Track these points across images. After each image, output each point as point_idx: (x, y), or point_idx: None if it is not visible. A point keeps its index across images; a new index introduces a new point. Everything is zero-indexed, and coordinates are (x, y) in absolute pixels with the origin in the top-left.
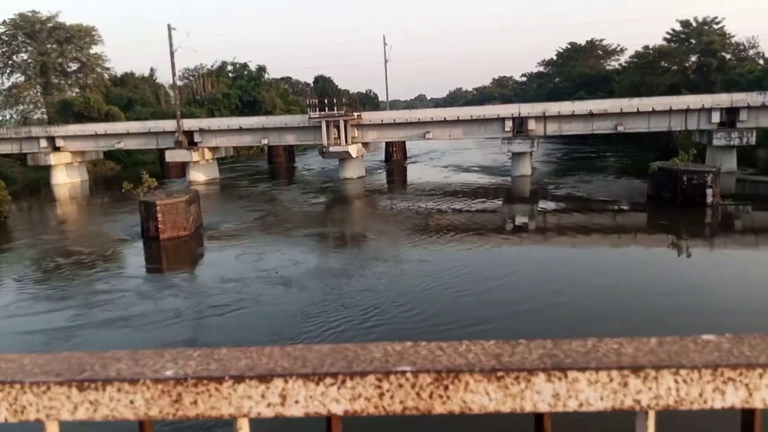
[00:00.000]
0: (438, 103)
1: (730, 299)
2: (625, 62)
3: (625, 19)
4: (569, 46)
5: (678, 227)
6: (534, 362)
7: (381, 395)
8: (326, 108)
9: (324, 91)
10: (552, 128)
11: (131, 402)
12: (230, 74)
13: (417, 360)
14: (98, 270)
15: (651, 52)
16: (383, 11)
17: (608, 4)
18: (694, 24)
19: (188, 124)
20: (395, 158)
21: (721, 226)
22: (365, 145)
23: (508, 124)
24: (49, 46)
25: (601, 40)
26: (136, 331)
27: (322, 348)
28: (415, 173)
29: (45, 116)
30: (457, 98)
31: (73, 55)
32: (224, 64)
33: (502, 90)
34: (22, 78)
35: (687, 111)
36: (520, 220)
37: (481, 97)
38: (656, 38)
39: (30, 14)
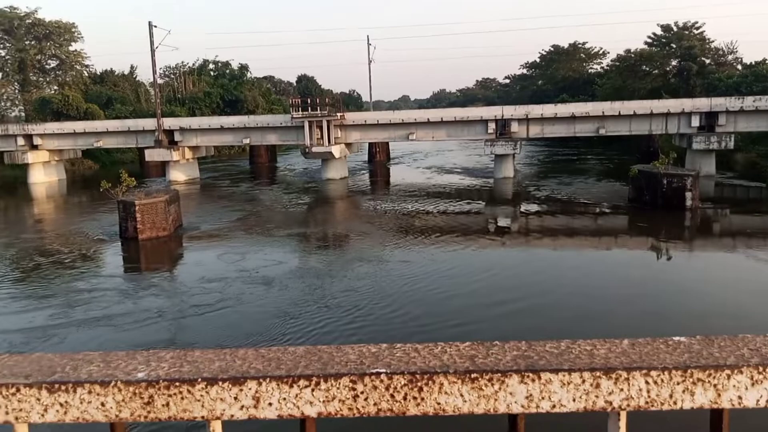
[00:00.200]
0: (422, 105)
1: (706, 301)
2: (607, 65)
3: (607, 23)
4: (552, 49)
5: (658, 230)
6: (508, 364)
7: (355, 397)
8: (309, 108)
9: (307, 90)
10: (535, 131)
11: (102, 404)
12: (212, 73)
13: (392, 362)
14: (77, 270)
15: (632, 55)
16: (367, 11)
17: (591, 7)
18: (675, 29)
19: (168, 122)
20: (378, 159)
21: (700, 228)
22: (348, 145)
23: (491, 126)
24: (27, 42)
25: (583, 44)
26: (117, 331)
27: (297, 350)
28: (398, 174)
29: (23, 114)
30: (440, 99)
31: (52, 52)
32: (206, 62)
33: (486, 92)
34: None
35: (667, 115)
36: (503, 221)
37: (464, 98)
38: (638, 42)
39: (8, 10)
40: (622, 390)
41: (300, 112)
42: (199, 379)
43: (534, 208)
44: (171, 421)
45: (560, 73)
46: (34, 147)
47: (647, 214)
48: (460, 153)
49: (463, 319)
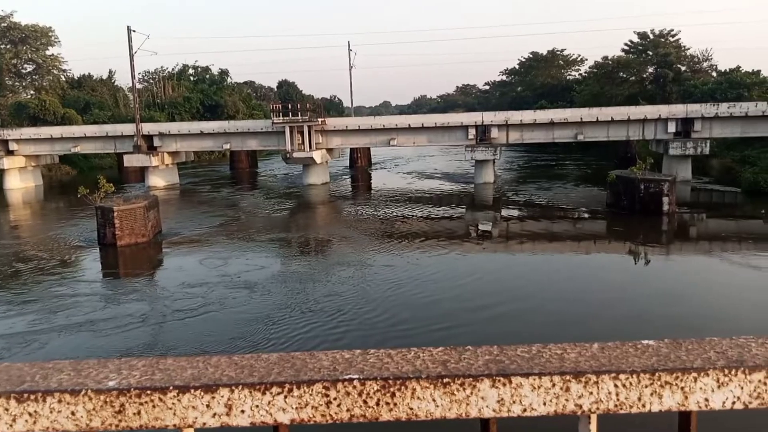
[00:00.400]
0: (403, 110)
1: (684, 305)
2: (585, 72)
3: (585, 31)
4: (531, 56)
5: (636, 234)
6: (479, 368)
7: (328, 403)
8: (290, 113)
9: (288, 96)
10: (514, 136)
11: (72, 413)
12: (192, 78)
13: (365, 367)
14: (55, 276)
15: (610, 62)
16: (348, 17)
17: (569, 15)
18: (651, 36)
19: (148, 128)
20: (360, 164)
21: (677, 233)
22: (330, 151)
23: (472, 132)
24: (2, 46)
25: (562, 50)
26: (98, 336)
27: (270, 357)
28: (379, 179)
29: None
30: (421, 105)
31: (29, 56)
32: (185, 67)
33: (466, 98)
34: None
35: (644, 121)
36: (484, 226)
37: (445, 104)
38: (615, 49)
39: None
40: (591, 393)
41: (281, 118)
42: (171, 387)
43: (514, 212)
44: (143, 430)
45: (539, 79)
46: (10, 152)
47: (625, 218)
48: (441, 158)
49: (447, 323)
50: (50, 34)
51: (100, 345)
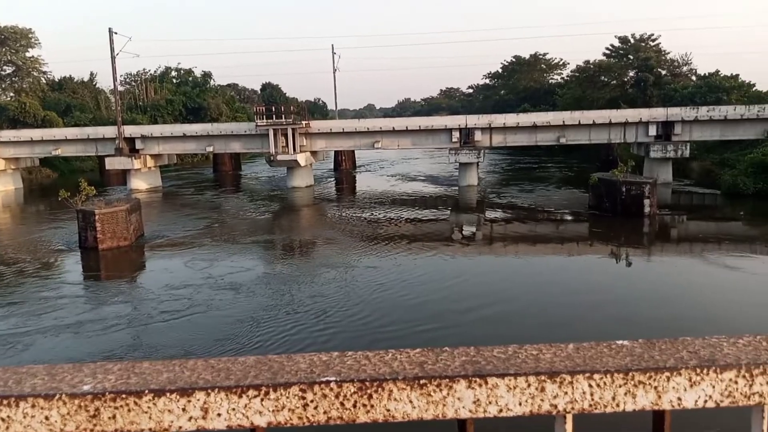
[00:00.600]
0: (387, 113)
1: (667, 305)
2: (567, 76)
3: (567, 35)
4: (514, 60)
5: (618, 236)
6: (456, 369)
7: (305, 406)
8: (274, 116)
9: (272, 98)
10: (497, 139)
11: (46, 418)
12: (174, 80)
13: (342, 370)
14: (36, 280)
15: (591, 66)
16: (332, 20)
17: (552, 20)
18: (632, 40)
19: (129, 130)
20: (344, 167)
21: (659, 234)
22: (314, 153)
23: (456, 135)
24: None
25: (544, 54)
26: (81, 339)
27: (247, 360)
28: (364, 182)
29: None
30: (405, 108)
31: (8, 58)
32: (168, 69)
33: (450, 101)
34: None
35: (625, 124)
36: (468, 229)
37: (429, 107)
38: (596, 53)
39: None
40: (566, 393)
41: (264, 120)
42: (147, 391)
43: (498, 215)
44: None
45: (522, 83)
46: None
47: (607, 220)
48: (425, 161)
49: (433, 324)
50: (30, 35)
51: (83, 347)
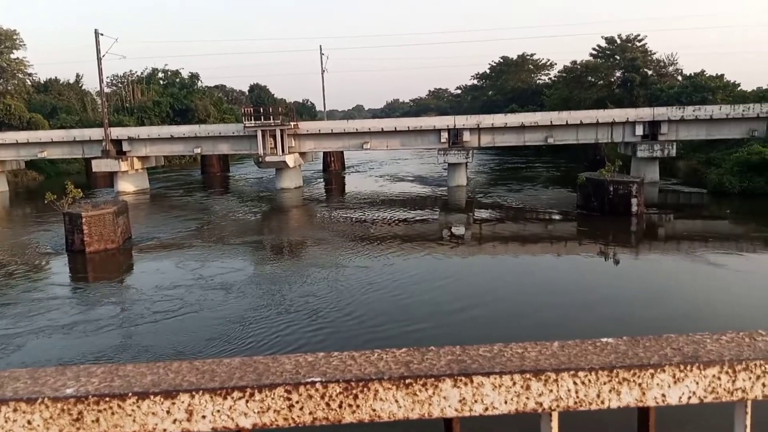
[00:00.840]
0: (375, 114)
1: (657, 304)
2: (555, 76)
3: (554, 35)
4: (502, 60)
5: (606, 235)
6: (442, 368)
7: (290, 407)
8: (262, 117)
9: (260, 99)
10: (486, 140)
11: (28, 422)
12: (161, 82)
13: (328, 370)
14: (23, 283)
15: (579, 67)
16: (320, 21)
17: (539, 20)
18: (619, 41)
19: (116, 132)
20: (333, 168)
21: (646, 233)
22: (303, 154)
23: (444, 136)
24: None
25: (531, 55)
26: (72, 339)
27: (232, 361)
28: (353, 183)
29: None
30: (394, 109)
31: None
32: (155, 71)
33: (438, 102)
34: None
35: (612, 124)
36: (458, 229)
37: (417, 108)
38: (583, 54)
39: None
40: (551, 391)
41: (253, 122)
42: (130, 394)
43: (487, 215)
44: None
45: (510, 83)
46: None
47: (595, 220)
48: (414, 162)
49: (423, 324)
50: (15, 37)
51: (72, 349)
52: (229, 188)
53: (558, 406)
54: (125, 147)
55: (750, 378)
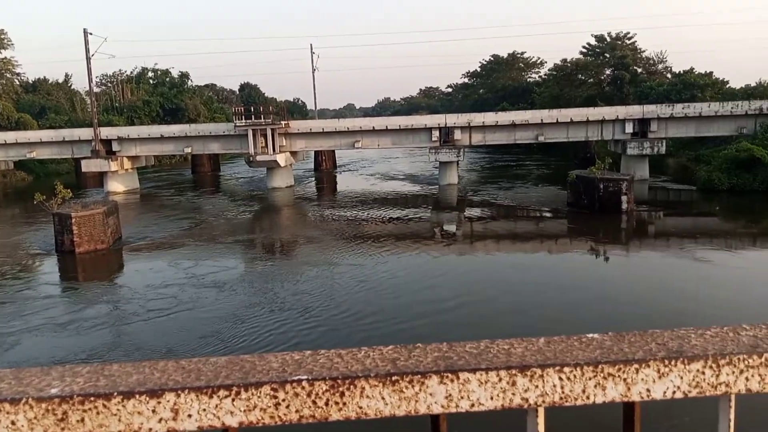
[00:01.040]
0: (367, 113)
1: (649, 302)
2: (545, 75)
3: (544, 33)
4: (492, 59)
5: (596, 232)
6: (428, 365)
7: (277, 405)
8: (253, 116)
9: (250, 98)
10: (477, 138)
11: (12, 423)
12: (151, 81)
13: (314, 368)
14: (14, 284)
15: (569, 65)
16: (311, 20)
17: (529, 18)
18: (608, 39)
19: (106, 132)
20: (325, 167)
21: (636, 230)
22: (294, 154)
23: (435, 134)
24: None
25: (522, 53)
26: (63, 338)
27: (218, 360)
28: (345, 182)
29: None
30: (385, 108)
31: None
32: (144, 70)
33: (429, 100)
34: None
35: (603, 122)
36: (449, 227)
37: (408, 107)
38: (573, 52)
39: None
40: (537, 387)
41: (243, 121)
42: (115, 393)
43: (479, 213)
44: None
45: (500, 82)
46: None
47: (586, 217)
48: (405, 160)
49: (415, 322)
50: (2, 36)
51: (67, 346)
52: (219, 188)
53: (544, 401)
54: (115, 147)
55: (734, 372)
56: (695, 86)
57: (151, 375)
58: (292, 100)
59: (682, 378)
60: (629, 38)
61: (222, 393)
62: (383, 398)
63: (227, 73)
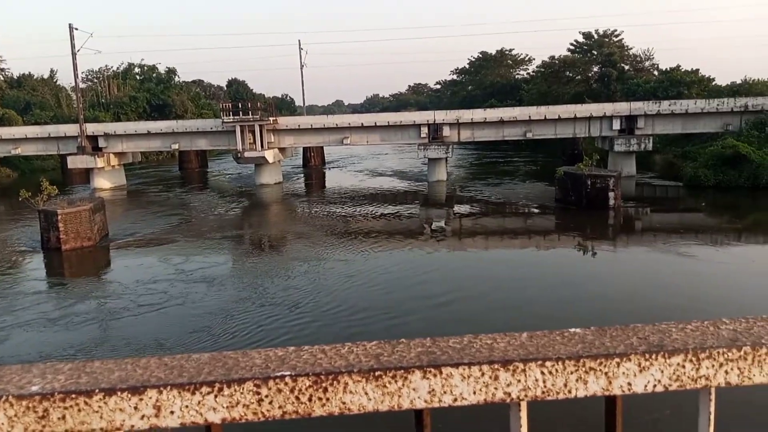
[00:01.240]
0: (355, 109)
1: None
2: (533, 71)
3: (532, 30)
4: (480, 56)
5: (584, 228)
6: (411, 360)
7: (260, 401)
8: (241, 112)
9: (238, 94)
10: (465, 135)
11: None
12: (138, 77)
13: (298, 364)
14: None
15: (557, 62)
16: (299, 15)
17: (517, 15)
18: (596, 36)
19: (92, 128)
20: (313, 163)
21: (623, 226)
22: (282, 150)
23: (424, 131)
24: None
25: (510, 50)
26: (51, 335)
27: (201, 357)
28: (334, 178)
29: None
30: (374, 104)
31: None
32: (131, 66)
33: (418, 97)
34: None
35: (590, 118)
36: (438, 223)
37: (397, 103)
38: (561, 49)
39: None
40: (519, 381)
41: (231, 117)
42: (97, 390)
43: (467, 209)
44: None
45: (489, 78)
46: None
47: (573, 213)
48: (394, 157)
49: (405, 318)
50: None
51: (55, 342)
52: (207, 184)
53: (526, 395)
54: (101, 143)
55: (713, 366)
56: (681, 83)
57: (133, 372)
58: (280, 96)
59: (662, 372)
60: (616, 36)
61: (204, 389)
62: (366, 393)
63: (215, 69)
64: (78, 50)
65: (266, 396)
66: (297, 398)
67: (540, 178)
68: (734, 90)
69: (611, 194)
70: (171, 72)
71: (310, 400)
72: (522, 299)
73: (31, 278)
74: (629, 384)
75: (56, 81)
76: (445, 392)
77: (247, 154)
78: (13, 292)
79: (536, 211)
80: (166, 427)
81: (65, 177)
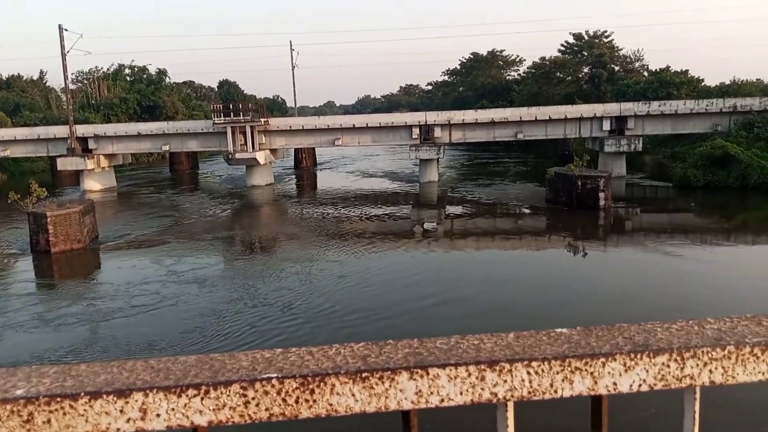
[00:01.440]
0: (347, 110)
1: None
2: (524, 72)
3: (523, 32)
4: (472, 57)
5: (575, 229)
6: (398, 361)
7: (246, 403)
8: (232, 113)
9: (229, 96)
10: (457, 136)
11: None
12: (128, 78)
13: (285, 366)
14: None
15: (547, 63)
16: (290, 16)
17: (508, 17)
18: (586, 37)
19: (82, 129)
20: (305, 165)
21: (614, 227)
22: (273, 151)
23: (416, 132)
24: None
25: (501, 51)
26: (39, 337)
27: (188, 359)
28: (325, 179)
29: None
30: (365, 105)
31: None
32: (121, 67)
33: (410, 98)
34: None
35: (580, 119)
36: (430, 224)
37: (389, 104)
38: (552, 50)
39: None
40: (506, 381)
41: (222, 118)
42: (83, 393)
43: (459, 210)
44: None
45: (480, 80)
46: None
47: (564, 213)
48: (386, 158)
49: (397, 319)
50: None
51: (47, 343)
52: (198, 186)
53: (513, 396)
54: (91, 145)
55: (698, 365)
56: (671, 84)
57: (119, 375)
58: (271, 97)
59: (648, 371)
60: (606, 36)
61: (191, 392)
62: (353, 395)
63: (206, 70)
64: (68, 51)
65: (253, 398)
66: (284, 400)
67: (531, 179)
68: (723, 91)
69: (602, 195)
70: (161, 73)
71: (296, 402)
72: (512, 300)
73: (21, 280)
74: (615, 384)
75: (46, 82)
76: (431, 393)
77: (238, 156)
78: (2, 294)
79: (527, 211)
80: (152, 430)
81: (55, 179)
